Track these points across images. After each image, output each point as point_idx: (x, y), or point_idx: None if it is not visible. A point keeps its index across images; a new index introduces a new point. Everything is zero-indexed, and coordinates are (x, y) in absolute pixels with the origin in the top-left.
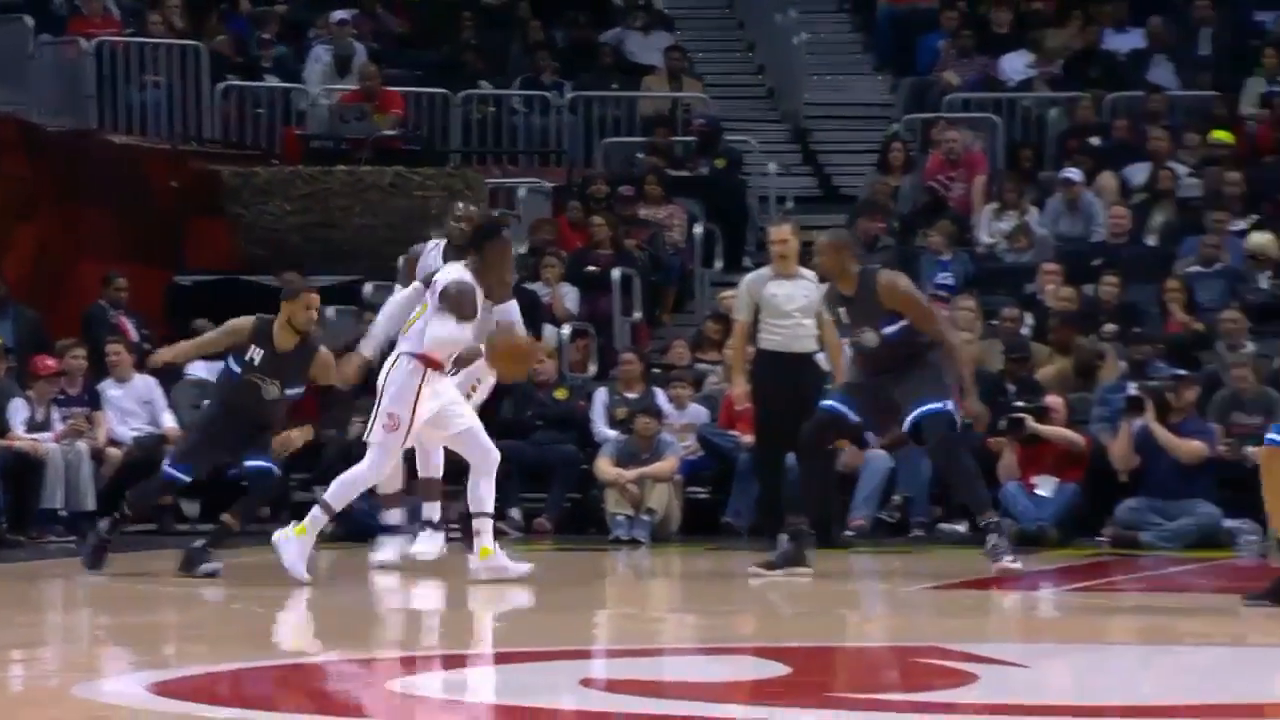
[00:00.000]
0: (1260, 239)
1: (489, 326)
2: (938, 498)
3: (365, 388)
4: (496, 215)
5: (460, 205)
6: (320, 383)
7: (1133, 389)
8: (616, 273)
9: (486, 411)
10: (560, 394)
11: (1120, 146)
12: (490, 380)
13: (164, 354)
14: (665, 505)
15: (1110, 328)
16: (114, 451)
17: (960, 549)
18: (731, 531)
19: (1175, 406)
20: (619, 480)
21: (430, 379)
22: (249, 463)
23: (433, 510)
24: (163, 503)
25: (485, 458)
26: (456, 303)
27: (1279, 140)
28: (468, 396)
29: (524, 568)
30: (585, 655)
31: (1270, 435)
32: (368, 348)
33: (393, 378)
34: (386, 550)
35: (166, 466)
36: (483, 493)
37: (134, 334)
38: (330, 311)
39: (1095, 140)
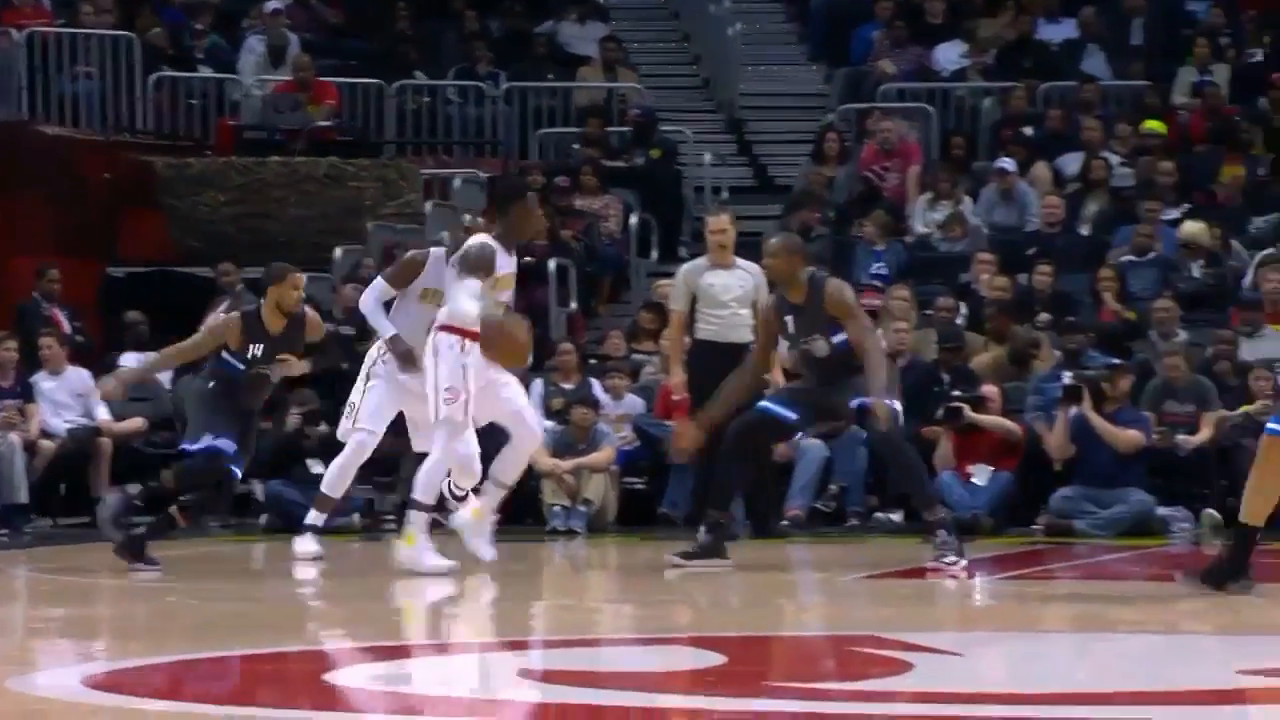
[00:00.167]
0: (1192, 228)
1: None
2: (873, 487)
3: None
4: (517, 175)
5: (468, 217)
6: (311, 340)
7: (1069, 378)
8: (552, 263)
9: None
10: None
11: (1053, 136)
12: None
13: (131, 374)
14: (602, 496)
15: (1044, 317)
16: (47, 444)
17: (896, 538)
18: (668, 522)
19: (1110, 396)
20: (555, 471)
21: (469, 349)
22: (210, 442)
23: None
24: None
25: (529, 437)
26: (475, 263)
27: (1211, 130)
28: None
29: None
30: (523, 646)
31: (1271, 425)
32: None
33: (437, 357)
34: (306, 543)
35: (203, 445)
36: (509, 465)
37: (67, 326)
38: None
39: (1029, 130)
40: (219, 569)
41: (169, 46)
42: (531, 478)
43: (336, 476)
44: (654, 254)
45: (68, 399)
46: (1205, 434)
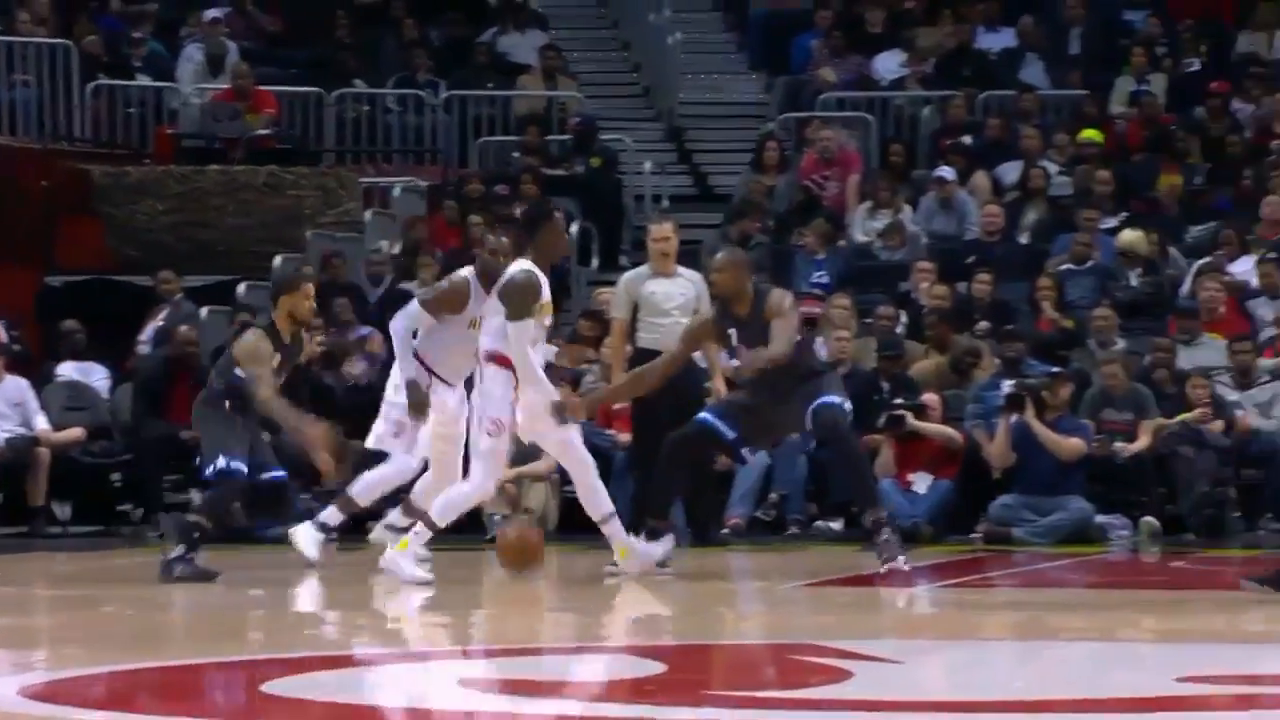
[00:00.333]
0: (1130, 236)
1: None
2: (814, 495)
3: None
4: (545, 199)
5: (492, 239)
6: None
7: (1010, 386)
8: None
9: None
10: None
11: (992, 145)
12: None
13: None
14: (542, 504)
15: (983, 325)
16: None
17: (835, 546)
18: None
19: (1051, 404)
20: None
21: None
22: (224, 465)
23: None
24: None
25: (583, 469)
26: (523, 293)
27: (1148, 139)
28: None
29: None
30: (463, 655)
31: None
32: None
33: (485, 386)
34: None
35: (219, 466)
36: (599, 498)
37: (4, 335)
38: (203, 312)
39: (967, 139)
40: (157, 578)
41: (106, 55)
42: None
43: (375, 487)
44: (594, 262)
45: (5, 408)
46: (1143, 442)
